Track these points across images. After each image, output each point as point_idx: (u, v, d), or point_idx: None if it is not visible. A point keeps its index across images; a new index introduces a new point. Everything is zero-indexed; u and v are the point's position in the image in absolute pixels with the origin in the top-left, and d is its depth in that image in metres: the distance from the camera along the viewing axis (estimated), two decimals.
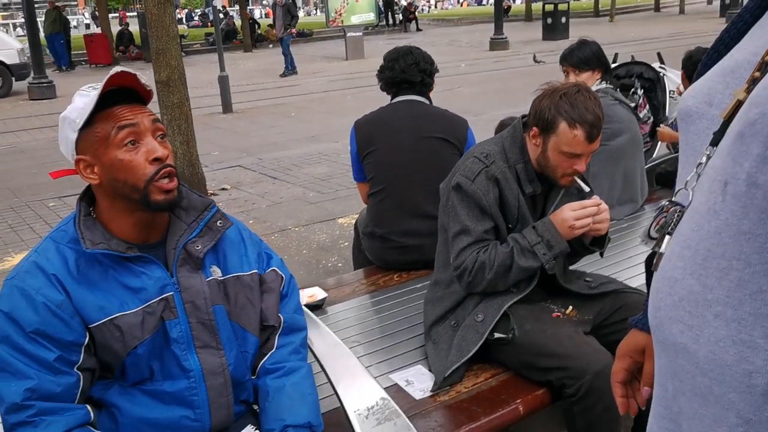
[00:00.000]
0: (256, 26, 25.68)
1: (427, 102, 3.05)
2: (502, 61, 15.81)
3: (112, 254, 1.44)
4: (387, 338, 2.53)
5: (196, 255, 1.54)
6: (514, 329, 2.21)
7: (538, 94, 2.25)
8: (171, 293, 1.50)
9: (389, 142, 2.96)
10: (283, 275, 1.72)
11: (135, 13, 32.03)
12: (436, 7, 52.86)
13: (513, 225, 2.28)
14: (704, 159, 0.84)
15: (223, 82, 10.83)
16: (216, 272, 1.59)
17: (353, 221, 5.52)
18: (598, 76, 3.67)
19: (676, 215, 0.88)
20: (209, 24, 34.40)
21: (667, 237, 0.88)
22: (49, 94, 13.88)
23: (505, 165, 2.26)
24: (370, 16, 19.34)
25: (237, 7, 30.58)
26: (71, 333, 1.41)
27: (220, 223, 1.59)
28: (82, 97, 1.48)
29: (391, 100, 3.10)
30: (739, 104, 0.79)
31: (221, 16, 24.23)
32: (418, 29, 28.20)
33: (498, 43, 18.30)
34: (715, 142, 0.82)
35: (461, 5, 55.34)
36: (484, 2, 54.26)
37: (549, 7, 20.93)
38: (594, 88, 3.55)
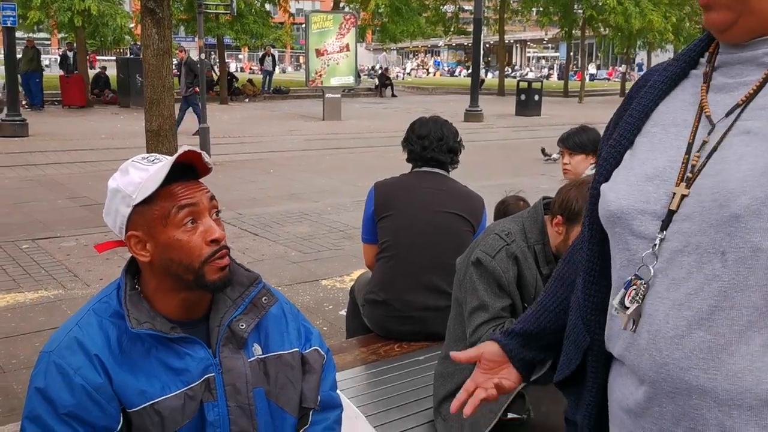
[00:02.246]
0: (234, 80, 25.91)
1: (448, 175, 3.09)
2: (476, 132, 16.13)
3: (156, 335, 1.39)
4: (394, 411, 2.49)
5: (241, 335, 1.48)
6: (529, 410, 2.19)
7: (564, 184, 2.30)
8: (212, 374, 1.44)
9: (407, 209, 2.98)
10: (324, 354, 1.68)
11: (113, 58, 32.08)
12: (410, 74, 54.08)
13: (529, 304, 2.29)
14: (657, 242, 1.02)
15: (204, 133, 10.84)
16: (257, 350, 1.53)
17: (336, 283, 5.52)
18: (592, 161, 3.78)
19: (642, 287, 1.04)
20: None
21: (634, 304, 1.04)
22: (21, 132, 13.67)
23: (524, 244, 2.29)
24: (350, 80, 19.68)
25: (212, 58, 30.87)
26: (106, 418, 1.35)
27: (265, 299, 1.54)
28: (137, 170, 1.40)
29: (413, 168, 3.12)
30: (683, 197, 1.01)
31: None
32: (393, 95, 28.76)
33: (473, 115, 18.71)
34: (665, 227, 1.02)
35: (434, 75, 56.73)
36: (456, 73, 55.73)
37: (523, 85, 21.61)
38: (588, 172, 3.65)
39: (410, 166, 3.16)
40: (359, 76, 25.66)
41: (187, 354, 1.42)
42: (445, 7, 33.79)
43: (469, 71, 25.90)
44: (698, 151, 1.04)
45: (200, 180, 1.46)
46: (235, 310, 1.49)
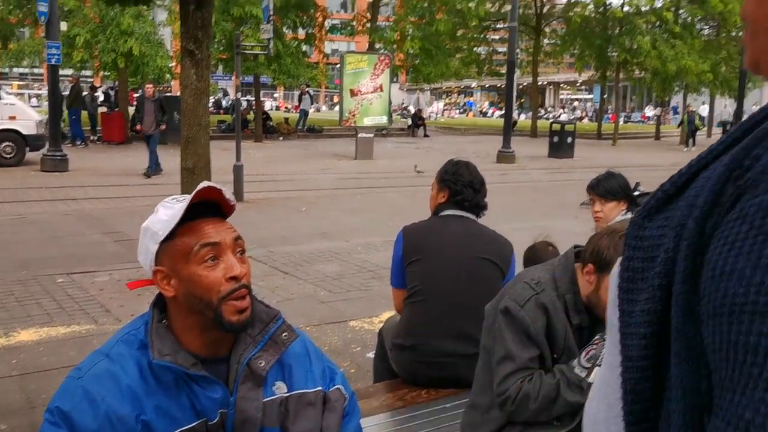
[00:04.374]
0: (269, 118, 26.33)
1: (477, 220, 3.08)
2: (508, 173, 16.12)
3: (176, 369, 1.42)
4: None
5: (259, 372, 1.49)
6: None
7: (596, 232, 2.28)
8: (226, 410, 1.46)
9: (437, 254, 2.97)
10: (346, 395, 1.67)
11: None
12: (443, 115, 54.42)
13: (558, 355, 2.25)
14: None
15: (238, 171, 10.98)
16: (281, 388, 1.54)
17: (365, 325, 5.50)
18: (623, 207, 3.74)
19: (602, 350, 0.88)
20: (221, 111, 35.31)
21: (596, 368, 0.89)
22: (61, 167, 14.02)
23: (554, 293, 2.26)
24: (383, 119, 19.88)
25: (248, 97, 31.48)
26: None
27: (285, 335, 1.55)
28: (166, 209, 1.47)
29: (442, 211, 3.10)
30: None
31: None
32: (425, 135, 28.93)
33: (505, 156, 18.72)
34: None
35: (467, 115, 57.01)
36: (489, 114, 55.92)
37: (556, 127, 21.61)
38: (619, 218, 3.61)
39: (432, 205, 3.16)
40: (392, 116, 25.90)
41: (205, 393, 1.45)
42: (478, 48, 34.10)
43: (503, 112, 25.97)
44: None
45: (227, 219, 1.50)
46: (255, 348, 1.50)
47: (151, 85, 15.73)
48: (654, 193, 0.74)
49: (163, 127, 14.23)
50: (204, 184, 1.45)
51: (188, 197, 1.46)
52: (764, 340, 0.54)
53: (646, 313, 0.68)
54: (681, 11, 28.38)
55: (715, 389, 0.60)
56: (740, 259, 0.57)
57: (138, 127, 14.81)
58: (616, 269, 0.75)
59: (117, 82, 23.05)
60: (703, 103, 36.87)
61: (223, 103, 39.92)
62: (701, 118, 32.23)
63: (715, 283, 0.59)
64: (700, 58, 26.20)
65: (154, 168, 14.08)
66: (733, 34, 27.93)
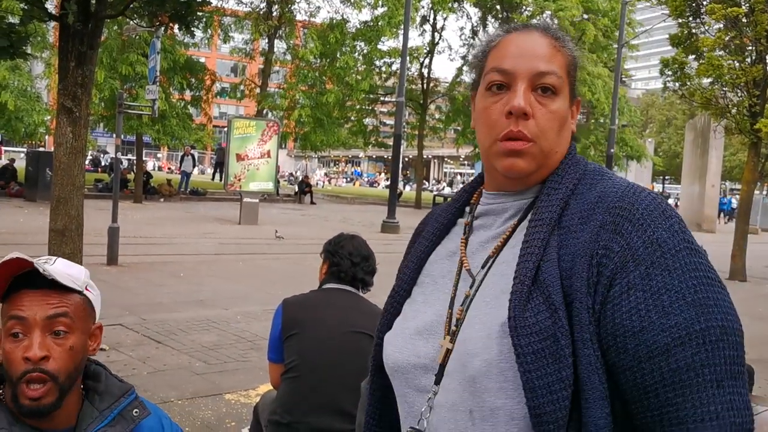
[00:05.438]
0: (150, 178, 25.56)
1: (360, 294, 3.06)
2: (392, 244, 16.31)
3: None
4: None
5: None
6: None
7: None
8: None
9: (316, 329, 2.91)
10: None
11: (23, 149, 31.21)
12: (330, 182, 54.91)
13: None
14: (431, 395, 1.06)
15: (113, 233, 10.51)
16: None
17: (241, 398, 5.28)
18: None
19: None
20: (98, 169, 33.95)
21: None
22: None
23: None
24: (269, 185, 19.75)
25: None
26: None
27: (136, 412, 1.50)
28: None
29: (326, 284, 3.07)
30: (447, 351, 1.05)
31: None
32: (312, 202, 28.98)
33: (390, 227, 19.00)
34: (437, 381, 1.05)
35: (353, 184, 57.81)
36: (375, 185, 56.97)
37: (439, 199, 22.28)
38: None
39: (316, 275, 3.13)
40: (279, 182, 25.82)
41: None
42: (366, 120, 34.94)
43: (388, 182, 26.55)
44: (461, 305, 1.09)
45: (67, 291, 1.41)
46: (101, 422, 1.45)
47: None
48: None
49: None
50: (13, 255, 1.37)
51: (55, 259, 1.44)
52: None
53: None
54: None
55: None
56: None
57: None
58: None
59: None
60: None
61: (102, 160, 38.52)
62: None
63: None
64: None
65: None
66: (601, 120, 30.17)
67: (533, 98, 1.08)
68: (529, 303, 0.98)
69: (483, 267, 1.10)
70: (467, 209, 1.22)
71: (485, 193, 1.18)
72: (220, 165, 33.56)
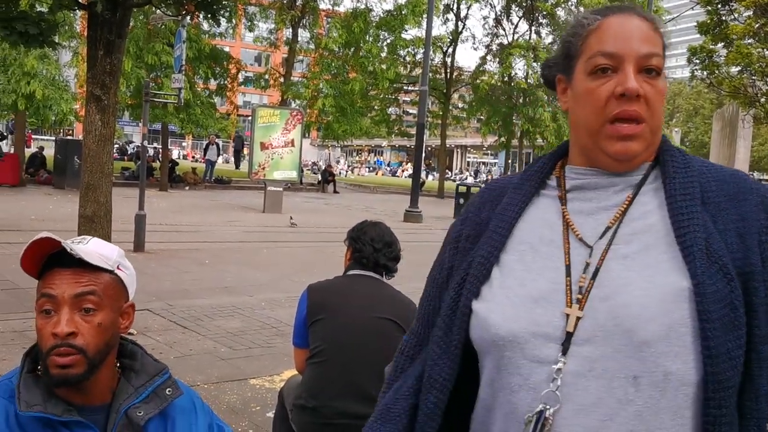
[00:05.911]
0: (175, 167, 25.80)
1: (383, 280, 3.08)
2: (414, 233, 16.35)
3: (46, 418, 1.38)
4: None
5: (137, 422, 1.48)
6: None
7: None
8: None
9: (341, 314, 2.94)
10: None
11: (52, 138, 31.67)
12: (352, 172, 55.00)
13: None
14: (560, 365, 1.03)
15: (140, 220, 10.64)
16: None
17: (266, 383, 5.35)
18: None
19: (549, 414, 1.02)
20: (125, 158, 34.33)
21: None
22: None
23: None
24: (293, 174, 19.84)
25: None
26: None
27: (169, 391, 1.55)
28: None
29: (350, 270, 3.11)
30: (577, 319, 1.03)
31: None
32: (335, 191, 29.07)
33: (412, 216, 19.01)
34: (564, 351, 1.03)
35: (376, 174, 57.84)
36: (398, 174, 56.96)
37: (462, 189, 22.20)
38: None
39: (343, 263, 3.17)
40: (302, 171, 25.93)
41: None
42: (389, 109, 34.89)
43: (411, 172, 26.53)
44: (584, 273, 1.09)
45: (98, 270, 1.46)
46: (135, 398, 1.50)
47: None
48: None
49: None
50: (42, 234, 1.45)
51: (88, 239, 1.50)
52: None
53: None
54: None
55: None
56: None
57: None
58: None
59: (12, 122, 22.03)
60: None
61: (128, 149, 38.90)
62: None
63: None
64: None
65: None
66: None
67: (641, 79, 1.12)
68: (707, 271, 1.03)
69: (601, 238, 1.11)
70: (549, 182, 1.23)
71: (575, 169, 1.19)
72: (237, 153, 33.89)
